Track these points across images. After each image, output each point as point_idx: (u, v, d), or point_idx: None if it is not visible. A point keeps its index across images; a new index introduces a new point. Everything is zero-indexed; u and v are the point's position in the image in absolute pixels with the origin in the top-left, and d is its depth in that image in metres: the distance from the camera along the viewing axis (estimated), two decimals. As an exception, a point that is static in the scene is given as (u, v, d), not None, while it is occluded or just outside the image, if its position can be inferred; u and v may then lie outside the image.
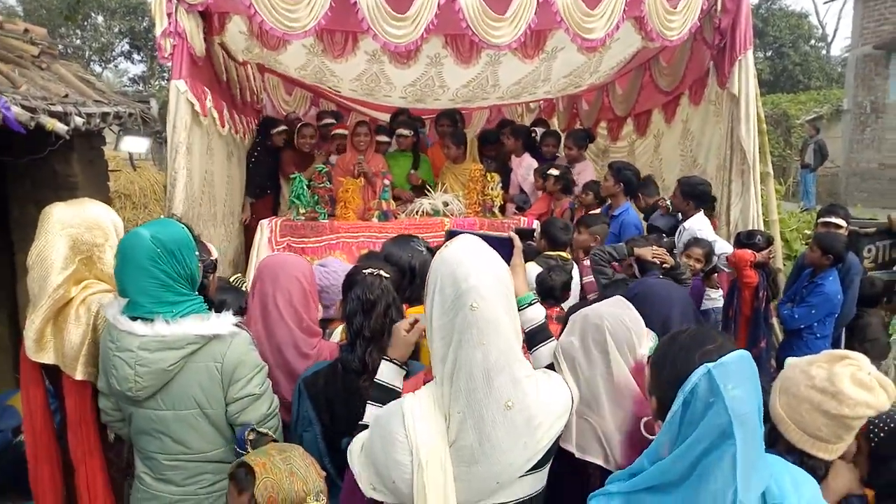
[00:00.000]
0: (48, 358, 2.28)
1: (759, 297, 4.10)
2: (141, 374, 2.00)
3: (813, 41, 30.42)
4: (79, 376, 2.26)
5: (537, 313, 1.77)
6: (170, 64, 4.04)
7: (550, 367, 1.73)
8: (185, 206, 4.00)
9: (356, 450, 1.62)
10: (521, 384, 1.45)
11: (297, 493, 1.71)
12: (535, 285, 3.41)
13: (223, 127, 4.72)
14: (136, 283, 2.01)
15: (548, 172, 5.49)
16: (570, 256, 4.06)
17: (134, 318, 2.00)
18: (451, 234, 1.79)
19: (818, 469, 1.68)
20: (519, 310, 1.64)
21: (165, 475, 2.13)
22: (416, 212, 5.48)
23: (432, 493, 1.39)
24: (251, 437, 2.06)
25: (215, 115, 4.50)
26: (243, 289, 3.21)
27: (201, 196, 4.36)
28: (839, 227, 4.61)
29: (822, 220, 4.77)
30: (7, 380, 4.56)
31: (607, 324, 1.71)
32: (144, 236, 2.03)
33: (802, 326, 4.14)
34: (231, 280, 3.60)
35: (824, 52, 31.24)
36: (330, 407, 2.09)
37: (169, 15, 3.91)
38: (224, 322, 2.08)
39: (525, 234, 4.28)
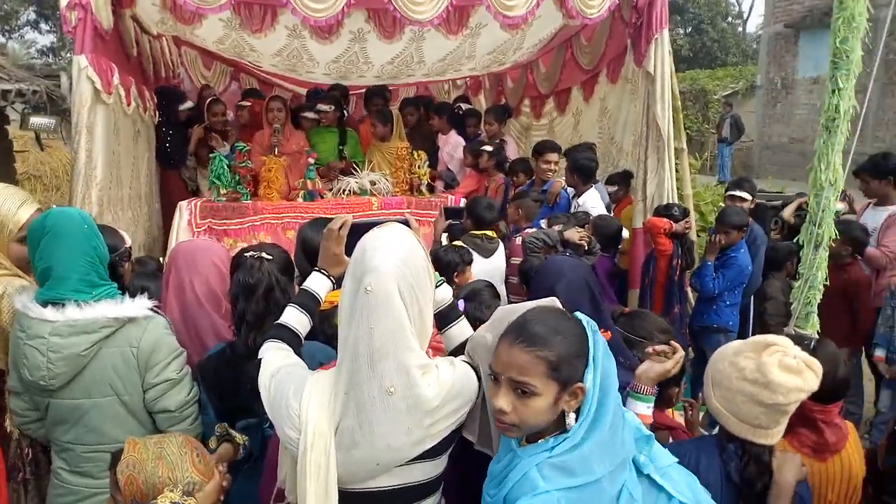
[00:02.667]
0: None
1: (673, 266, 4.31)
2: (53, 360, 1.95)
3: (730, 18, 31.60)
4: None
5: (444, 294, 1.77)
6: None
7: (462, 348, 1.71)
8: (84, 188, 3.79)
9: (265, 383, 1.57)
10: (410, 373, 1.43)
11: (160, 479, 1.61)
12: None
13: (129, 105, 4.47)
14: (68, 260, 1.97)
15: (482, 149, 5.53)
16: (496, 235, 4.12)
17: (45, 305, 1.95)
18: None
19: (762, 455, 1.73)
20: None
21: (82, 468, 2.08)
22: (343, 191, 5.41)
23: (313, 478, 1.41)
24: (216, 434, 1.97)
25: (122, 92, 4.27)
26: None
27: (110, 179, 4.17)
28: (744, 199, 4.86)
29: (728, 193, 5.02)
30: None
31: None
32: (74, 214, 2.04)
33: (716, 295, 4.33)
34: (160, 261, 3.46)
35: (740, 29, 32.50)
36: (219, 390, 2.08)
37: (74, -15, 3.69)
38: (138, 305, 2.05)
39: (455, 213, 4.31)
